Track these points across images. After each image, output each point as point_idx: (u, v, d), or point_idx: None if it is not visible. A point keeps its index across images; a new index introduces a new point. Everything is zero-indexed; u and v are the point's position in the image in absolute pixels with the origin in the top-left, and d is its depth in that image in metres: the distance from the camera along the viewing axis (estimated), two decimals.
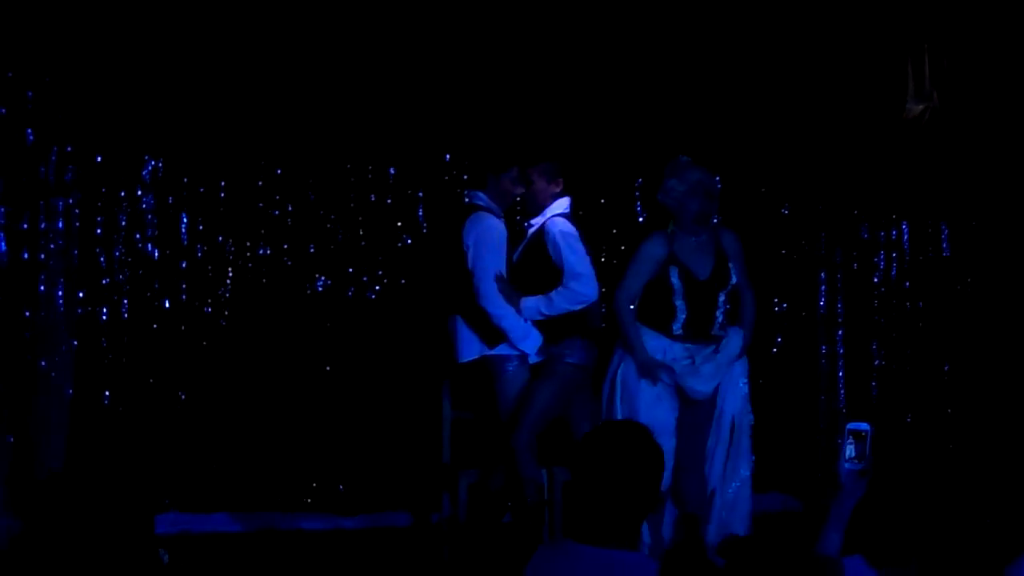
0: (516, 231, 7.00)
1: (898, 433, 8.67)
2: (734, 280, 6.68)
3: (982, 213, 8.79)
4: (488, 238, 6.57)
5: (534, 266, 6.72)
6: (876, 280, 8.78)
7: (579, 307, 6.62)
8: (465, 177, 7.81)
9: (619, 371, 6.65)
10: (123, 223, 7.57)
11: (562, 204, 6.80)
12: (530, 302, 6.61)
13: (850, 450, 4.04)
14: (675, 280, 6.56)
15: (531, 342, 6.60)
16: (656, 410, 6.50)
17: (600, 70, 8.01)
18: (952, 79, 8.00)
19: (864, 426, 4.05)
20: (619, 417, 6.55)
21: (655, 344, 6.60)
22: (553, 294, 6.60)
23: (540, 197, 6.79)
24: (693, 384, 6.53)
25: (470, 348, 6.65)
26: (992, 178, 8.69)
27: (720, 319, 6.68)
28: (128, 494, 5.63)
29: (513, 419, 6.61)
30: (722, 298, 6.67)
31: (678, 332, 6.61)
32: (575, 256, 6.62)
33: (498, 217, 6.67)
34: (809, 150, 8.48)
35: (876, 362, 8.77)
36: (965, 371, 8.79)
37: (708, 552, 6.61)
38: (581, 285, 6.60)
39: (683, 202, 6.58)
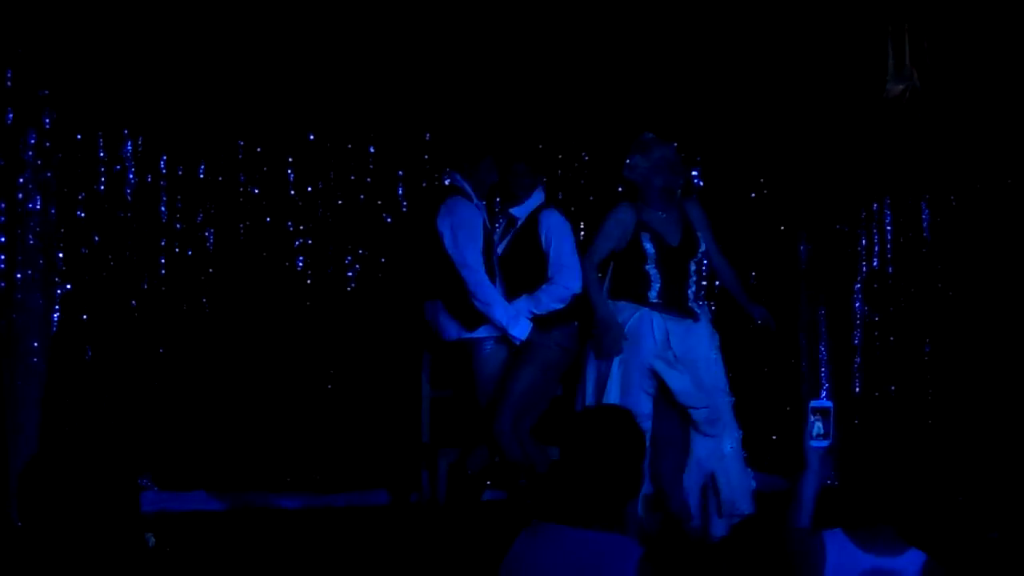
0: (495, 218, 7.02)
1: (882, 413, 8.70)
2: (702, 248, 6.75)
3: (963, 192, 8.81)
4: (465, 224, 6.56)
5: (523, 257, 6.74)
6: (859, 260, 8.81)
7: (564, 303, 6.64)
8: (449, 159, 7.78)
9: (591, 355, 6.68)
10: (102, 201, 7.55)
11: (539, 195, 6.82)
12: (520, 305, 6.62)
13: (816, 428, 4.08)
14: (648, 245, 6.62)
15: (521, 328, 6.59)
16: (632, 394, 6.51)
17: (581, 57, 7.99)
18: (933, 60, 7.99)
19: (827, 403, 4.09)
20: (592, 400, 6.56)
21: (630, 314, 6.62)
22: (540, 293, 6.62)
23: (515, 185, 6.81)
24: (669, 381, 6.55)
25: (448, 331, 6.64)
26: (974, 157, 8.70)
27: (692, 289, 6.72)
28: (111, 475, 5.61)
29: (493, 403, 6.60)
30: (692, 267, 6.73)
31: (654, 300, 6.63)
32: (567, 248, 6.66)
33: (473, 200, 6.64)
34: (792, 131, 8.48)
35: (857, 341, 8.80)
36: (948, 353, 8.81)
37: (692, 533, 6.60)
38: (565, 278, 6.62)
39: (648, 177, 6.67)
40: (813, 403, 4.10)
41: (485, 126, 7.42)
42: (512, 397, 6.58)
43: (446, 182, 6.83)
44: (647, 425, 6.48)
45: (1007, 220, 8.68)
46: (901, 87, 7.92)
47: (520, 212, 6.81)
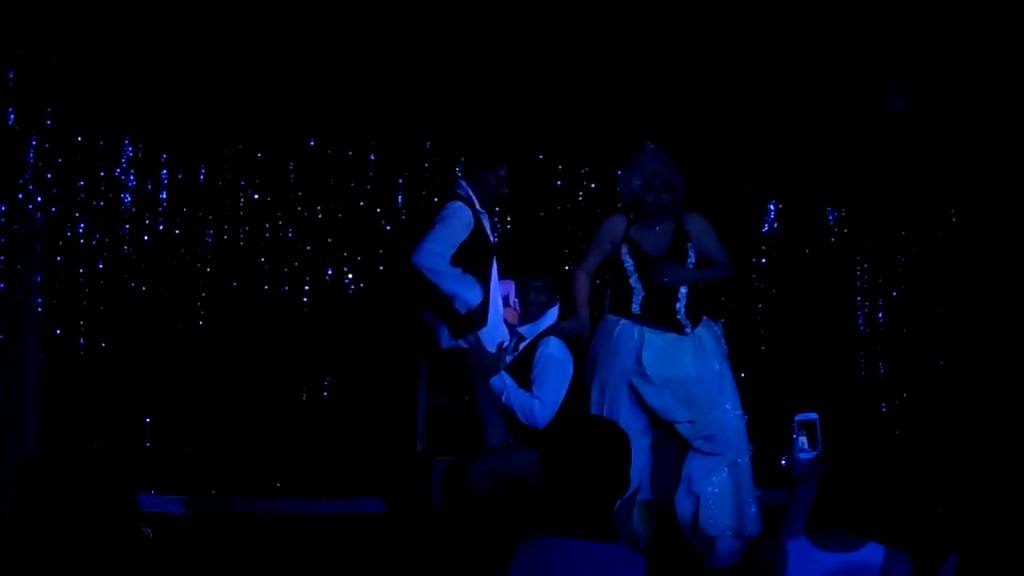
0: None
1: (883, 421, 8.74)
2: (691, 260, 6.65)
3: (960, 204, 8.84)
4: (450, 215, 6.49)
5: (519, 376, 6.66)
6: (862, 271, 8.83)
7: (522, 419, 6.57)
8: (458, 169, 7.74)
9: (596, 374, 6.65)
10: (101, 204, 7.56)
11: (553, 314, 6.80)
12: (505, 379, 6.57)
13: (802, 441, 4.11)
14: (626, 258, 6.60)
15: (474, 292, 6.49)
16: (623, 407, 6.51)
17: (592, 62, 8.00)
18: (936, 75, 8.00)
19: (812, 416, 4.13)
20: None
21: (613, 326, 6.60)
22: (518, 395, 6.56)
23: (531, 302, 6.77)
24: (645, 396, 6.52)
25: (442, 338, 6.63)
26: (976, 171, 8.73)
27: (682, 302, 6.61)
28: (108, 475, 5.63)
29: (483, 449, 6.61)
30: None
31: (636, 311, 6.58)
32: (553, 384, 6.59)
33: (475, 206, 6.63)
34: (795, 143, 8.48)
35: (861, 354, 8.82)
36: (958, 362, 8.82)
37: (694, 544, 6.57)
38: (538, 407, 6.56)
39: (640, 195, 6.63)
40: (798, 416, 4.14)
41: (499, 136, 7.41)
42: (501, 462, 6.52)
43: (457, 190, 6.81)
44: (646, 439, 6.48)
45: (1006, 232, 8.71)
46: (903, 102, 7.92)
47: (529, 332, 6.78)
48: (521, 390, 6.58)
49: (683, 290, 6.62)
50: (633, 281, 6.62)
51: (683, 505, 6.53)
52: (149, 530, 5.78)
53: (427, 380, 7.10)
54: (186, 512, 7.56)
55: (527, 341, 6.77)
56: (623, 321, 6.61)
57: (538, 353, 6.66)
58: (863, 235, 8.81)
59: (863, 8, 7.86)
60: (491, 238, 6.72)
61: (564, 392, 6.63)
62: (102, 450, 7.13)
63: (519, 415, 6.57)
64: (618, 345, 6.57)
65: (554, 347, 6.67)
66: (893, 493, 4.09)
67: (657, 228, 6.66)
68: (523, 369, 6.67)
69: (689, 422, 6.47)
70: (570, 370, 6.67)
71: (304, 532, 7.33)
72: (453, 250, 6.46)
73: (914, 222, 8.88)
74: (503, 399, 6.57)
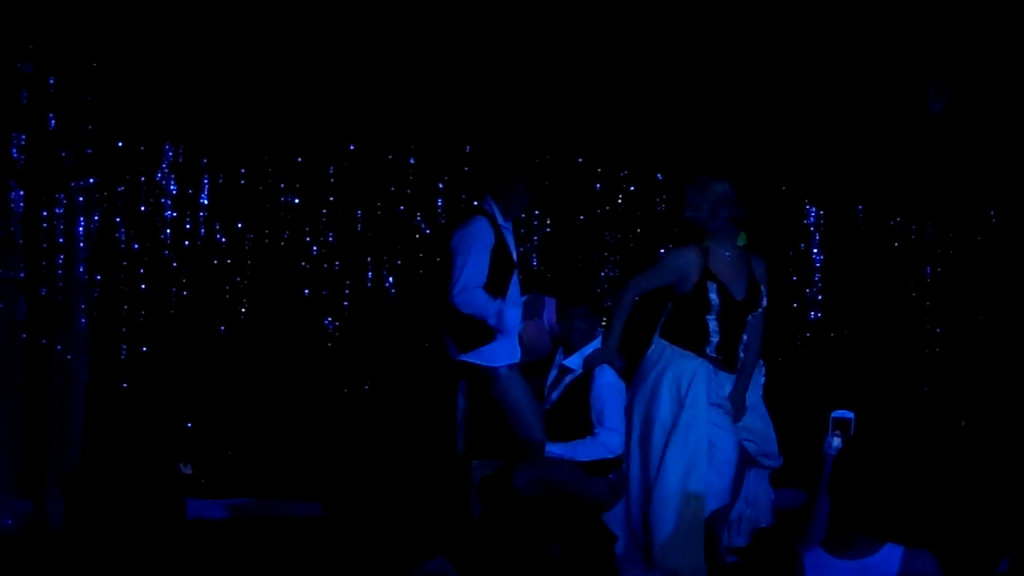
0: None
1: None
2: (764, 305, 6.53)
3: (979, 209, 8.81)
4: (470, 238, 6.45)
5: (573, 410, 6.61)
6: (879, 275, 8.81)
7: (600, 457, 6.52)
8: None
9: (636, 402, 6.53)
10: (142, 208, 7.60)
11: (596, 343, 6.64)
12: (554, 449, 6.54)
13: (835, 440, 4.07)
14: (713, 296, 6.36)
15: (510, 316, 6.44)
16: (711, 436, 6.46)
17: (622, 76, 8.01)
18: (974, 77, 7.96)
19: (848, 414, 4.08)
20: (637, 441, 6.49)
21: (688, 364, 6.39)
22: (578, 444, 6.53)
23: (571, 330, 6.64)
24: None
25: (451, 350, 6.61)
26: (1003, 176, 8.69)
27: (744, 342, 6.51)
28: (156, 479, 5.62)
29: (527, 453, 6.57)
30: (750, 321, 6.50)
31: (712, 354, 6.40)
32: (614, 407, 6.52)
33: (498, 220, 6.58)
34: (826, 147, 8.45)
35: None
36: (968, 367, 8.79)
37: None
38: (607, 436, 6.52)
39: (714, 210, 6.39)
40: (834, 414, 4.10)
41: (523, 149, 7.41)
42: (550, 470, 6.52)
43: (475, 203, 6.79)
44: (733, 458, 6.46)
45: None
46: (942, 104, 7.88)
47: (575, 363, 6.66)
48: (579, 442, 6.53)
49: (747, 331, 6.50)
50: (711, 320, 6.40)
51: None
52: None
53: (467, 385, 7.09)
54: (227, 516, 7.57)
55: (575, 375, 6.66)
56: (696, 359, 6.40)
57: (596, 384, 6.56)
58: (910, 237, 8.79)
59: (903, 9, 7.85)
60: (513, 253, 6.65)
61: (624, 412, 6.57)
62: (149, 456, 7.16)
63: (596, 458, 6.52)
64: (695, 385, 6.37)
65: (610, 376, 6.56)
66: (923, 491, 4.04)
67: (729, 257, 6.43)
68: (578, 402, 6.60)
69: (753, 442, 6.53)
70: (625, 396, 6.59)
71: (342, 534, 7.33)
72: (484, 275, 6.44)
73: (955, 223, 8.85)
74: (567, 455, 6.52)
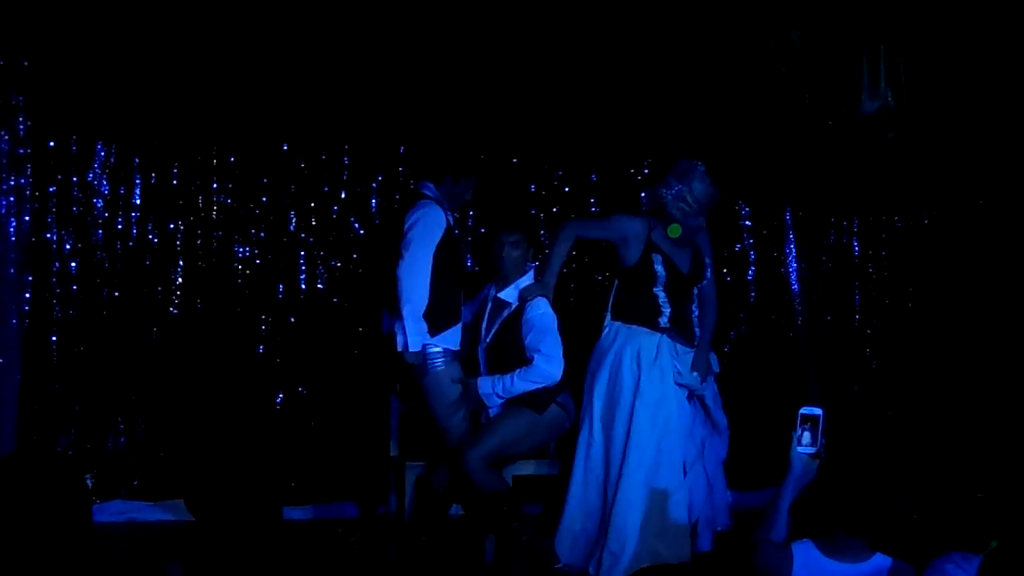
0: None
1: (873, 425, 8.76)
2: (708, 276, 6.59)
3: (933, 209, 8.87)
4: (426, 225, 6.42)
5: (509, 344, 6.51)
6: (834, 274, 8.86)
7: (538, 387, 6.42)
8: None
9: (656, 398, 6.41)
10: (74, 208, 7.54)
11: (529, 276, 6.58)
12: (485, 383, 6.44)
13: (803, 435, 4.08)
14: (659, 268, 6.42)
15: (413, 342, 6.35)
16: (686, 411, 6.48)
17: (573, 71, 8.00)
18: (909, 79, 8.00)
19: (816, 411, 4.08)
20: (598, 424, 6.42)
21: (648, 339, 6.41)
22: (514, 375, 6.41)
23: (506, 263, 6.55)
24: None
25: (398, 341, 6.50)
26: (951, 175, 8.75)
27: (695, 313, 6.57)
28: (73, 482, 5.58)
29: (473, 434, 6.46)
30: (695, 292, 6.57)
31: (666, 325, 6.45)
32: (551, 339, 6.42)
33: (443, 208, 6.57)
34: (768, 148, 8.48)
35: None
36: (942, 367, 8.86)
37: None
38: (548, 363, 6.41)
39: (678, 205, 6.41)
40: (803, 410, 4.10)
41: (472, 144, 7.40)
42: (496, 438, 6.37)
43: (411, 187, 6.73)
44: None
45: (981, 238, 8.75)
46: (876, 106, 7.91)
47: (510, 296, 6.55)
48: (511, 375, 6.40)
49: (695, 302, 6.56)
50: (660, 292, 6.46)
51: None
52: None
53: (401, 385, 7.08)
54: (157, 519, 7.56)
55: (510, 308, 6.54)
56: (656, 335, 6.43)
57: (530, 315, 6.44)
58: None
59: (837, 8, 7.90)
60: (459, 243, 6.66)
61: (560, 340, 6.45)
62: (58, 456, 7.12)
63: (534, 387, 6.39)
64: (658, 359, 6.40)
65: (544, 306, 6.46)
66: (900, 499, 4.05)
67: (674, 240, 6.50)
68: (514, 336, 6.48)
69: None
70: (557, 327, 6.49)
71: (281, 538, 7.31)
72: (431, 259, 6.40)
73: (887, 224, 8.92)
74: (506, 397, 6.42)
